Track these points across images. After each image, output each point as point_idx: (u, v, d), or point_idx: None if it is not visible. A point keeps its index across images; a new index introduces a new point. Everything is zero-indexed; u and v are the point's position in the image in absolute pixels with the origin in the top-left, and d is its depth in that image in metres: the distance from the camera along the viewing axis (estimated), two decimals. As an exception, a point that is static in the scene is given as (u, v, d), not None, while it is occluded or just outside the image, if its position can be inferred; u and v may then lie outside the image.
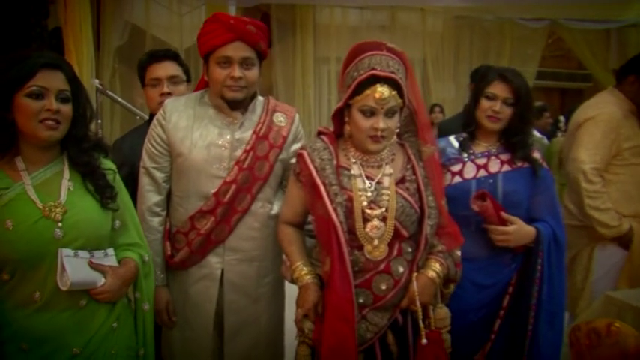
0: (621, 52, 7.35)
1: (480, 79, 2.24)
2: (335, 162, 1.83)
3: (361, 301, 1.79)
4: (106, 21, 5.82)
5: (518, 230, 2.08)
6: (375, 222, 1.78)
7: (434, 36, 7.37)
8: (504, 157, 2.19)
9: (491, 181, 2.15)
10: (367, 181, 1.82)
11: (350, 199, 1.79)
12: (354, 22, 7.20)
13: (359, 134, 1.79)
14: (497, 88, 2.13)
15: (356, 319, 1.77)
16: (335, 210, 1.76)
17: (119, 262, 1.70)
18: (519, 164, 2.16)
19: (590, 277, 2.79)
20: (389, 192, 1.81)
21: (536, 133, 5.45)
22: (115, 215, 1.72)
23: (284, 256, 2.03)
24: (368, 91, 1.73)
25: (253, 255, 2.08)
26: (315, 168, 1.82)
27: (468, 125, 2.24)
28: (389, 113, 1.76)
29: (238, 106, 2.06)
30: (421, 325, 1.79)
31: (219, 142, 2.03)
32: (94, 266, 1.60)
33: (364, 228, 1.78)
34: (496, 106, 2.13)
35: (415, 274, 1.82)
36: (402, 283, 1.81)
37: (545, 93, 8.81)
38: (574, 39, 7.47)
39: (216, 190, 2.01)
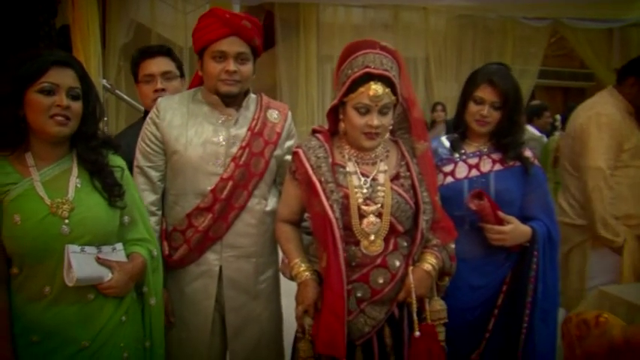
0: (624, 51, 7.37)
1: (469, 81, 2.21)
2: (330, 159, 1.86)
3: (359, 295, 1.82)
4: (111, 19, 5.84)
5: (514, 230, 2.08)
6: (371, 218, 1.81)
7: (436, 35, 7.36)
8: (496, 155, 2.18)
9: (484, 180, 2.15)
10: (362, 178, 1.85)
11: (346, 196, 1.82)
12: (358, 20, 7.21)
13: (353, 131, 1.83)
14: (485, 92, 2.11)
15: (354, 313, 1.81)
16: (331, 207, 1.79)
17: (127, 257, 1.72)
18: (511, 163, 2.16)
19: (586, 275, 2.81)
20: (384, 188, 1.84)
21: (535, 132, 5.50)
22: (123, 211, 1.73)
23: (282, 254, 2.06)
24: (362, 89, 1.76)
25: (251, 251, 2.09)
26: (311, 166, 1.85)
27: (457, 127, 2.24)
28: (383, 110, 1.79)
29: (232, 102, 2.07)
30: (415, 318, 1.81)
31: (215, 139, 2.04)
32: (100, 262, 1.62)
33: (360, 224, 1.81)
34: (484, 111, 2.12)
35: (411, 267, 1.84)
36: (398, 277, 1.83)
37: (548, 92, 8.83)
38: (577, 38, 7.45)
39: (213, 186, 2.01)
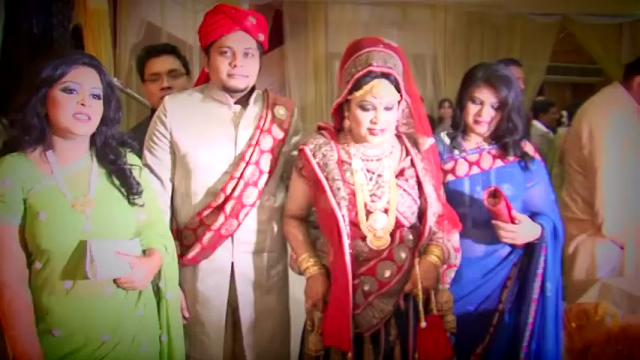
0: (633, 46, 7.29)
1: (467, 80, 2.18)
2: (336, 157, 1.88)
3: (367, 288, 1.85)
4: (122, 19, 5.87)
5: (526, 228, 2.07)
6: (377, 214, 1.84)
7: (444, 32, 7.35)
8: (496, 151, 2.17)
9: (485, 177, 2.14)
10: (368, 175, 1.88)
11: (352, 193, 1.84)
12: (366, 18, 7.20)
13: (358, 128, 1.85)
14: (483, 93, 2.10)
15: (362, 306, 1.84)
16: (338, 204, 1.82)
17: (144, 252, 1.74)
18: (511, 158, 2.15)
19: (594, 269, 2.80)
20: (389, 185, 1.87)
21: (542, 127, 5.52)
22: (140, 208, 1.75)
23: (290, 249, 2.09)
24: (366, 87, 1.78)
25: (262, 247, 2.10)
26: (318, 163, 1.87)
27: (456, 126, 2.21)
28: (387, 107, 1.81)
29: (239, 98, 2.08)
30: (421, 308, 1.83)
31: (224, 138, 2.05)
32: (120, 256, 1.63)
33: (367, 220, 1.84)
34: (482, 111, 2.10)
35: (417, 259, 1.87)
36: (404, 269, 1.86)
37: (557, 88, 8.80)
38: (585, 34, 7.39)
39: (223, 185, 2.02)
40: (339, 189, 1.83)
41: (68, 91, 1.58)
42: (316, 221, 2.02)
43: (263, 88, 2.21)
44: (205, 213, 2.03)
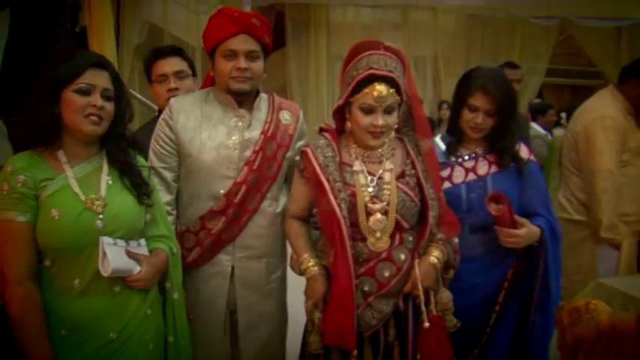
0: (632, 49, 7.36)
1: (462, 86, 2.16)
2: (338, 158, 1.88)
3: (366, 289, 1.84)
4: (125, 20, 5.90)
5: (528, 233, 2.05)
6: (378, 215, 1.84)
7: (445, 34, 7.42)
8: (491, 157, 2.17)
9: (481, 183, 2.14)
10: (369, 177, 1.87)
11: (353, 195, 1.84)
12: (367, 20, 7.27)
13: (359, 131, 1.85)
14: (479, 100, 2.08)
15: (362, 306, 1.84)
16: (339, 205, 1.81)
17: (150, 252, 1.74)
18: (507, 164, 2.14)
19: (594, 270, 2.81)
20: (390, 186, 1.86)
21: (540, 129, 5.55)
22: (146, 209, 1.76)
23: (290, 250, 2.06)
24: (367, 90, 1.79)
25: (262, 252, 2.10)
26: (319, 165, 1.87)
27: (452, 133, 2.22)
28: (387, 110, 1.81)
29: (244, 101, 2.06)
30: (423, 309, 1.83)
31: (229, 143, 2.04)
32: (130, 255, 1.64)
33: (367, 221, 1.84)
34: (478, 119, 2.09)
35: (417, 260, 1.87)
36: (404, 270, 1.86)
37: (556, 90, 8.86)
38: (585, 37, 7.48)
39: (226, 190, 2.01)
40: (339, 190, 1.83)
41: (81, 92, 1.58)
42: (317, 222, 2.00)
43: (267, 91, 2.22)
44: (207, 217, 2.03)
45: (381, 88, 1.78)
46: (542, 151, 4.97)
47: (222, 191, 2.02)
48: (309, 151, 1.91)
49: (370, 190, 1.86)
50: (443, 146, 2.21)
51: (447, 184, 2.13)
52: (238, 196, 2.01)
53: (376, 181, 1.87)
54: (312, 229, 2.06)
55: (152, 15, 6.26)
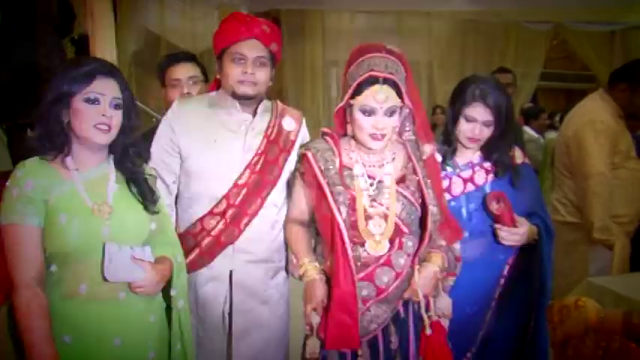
0: (625, 53, 7.40)
1: (459, 95, 2.15)
2: (338, 162, 1.88)
3: (365, 294, 1.83)
4: (122, 27, 5.88)
5: (526, 231, 2.07)
6: (377, 219, 1.83)
7: (440, 39, 7.46)
8: (487, 164, 2.18)
9: (480, 193, 2.14)
10: (369, 180, 1.87)
11: (353, 198, 1.83)
12: (362, 26, 7.30)
13: (360, 133, 1.85)
14: (477, 112, 2.09)
15: (360, 311, 1.81)
16: (338, 209, 1.81)
17: (155, 259, 1.73)
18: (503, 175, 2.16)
19: (585, 275, 2.81)
20: (390, 191, 1.86)
21: (533, 133, 5.61)
22: (152, 217, 1.76)
23: (291, 254, 2.05)
24: (367, 92, 1.79)
25: (262, 257, 2.09)
26: (319, 168, 1.87)
27: (448, 143, 2.20)
28: (388, 112, 1.81)
29: (248, 106, 2.07)
30: (425, 315, 1.83)
31: (231, 146, 2.04)
32: (135, 261, 1.64)
33: (366, 225, 1.83)
34: (475, 129, 2.10)
35: (417, 266, 1.86)
36: (403, 276, 1.85)
37: (551, 94, 8.92)
38: (578, 41, 7.51)
39: (226, 192, 2.02)
40: (339, 194, 1.83)
41: (91, 101, 1.59)
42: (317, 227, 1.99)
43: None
44: (206, 219, 2.04)
45: (381, 90, 1.79)
46: (536, 154, 5.03)
47: (222, 193, 2.02)
48: (309, 154, 1.91)
49: (370, 193, 1.86)
50: (440, 157, 2.18)
51: (446, 196, 2.11)
52: (238, 199, 2.02)
53: (376, 185, 1.87)
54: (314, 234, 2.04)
55: (148, 21, 6.30)
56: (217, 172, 2.03)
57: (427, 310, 1.86)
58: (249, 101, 2.07)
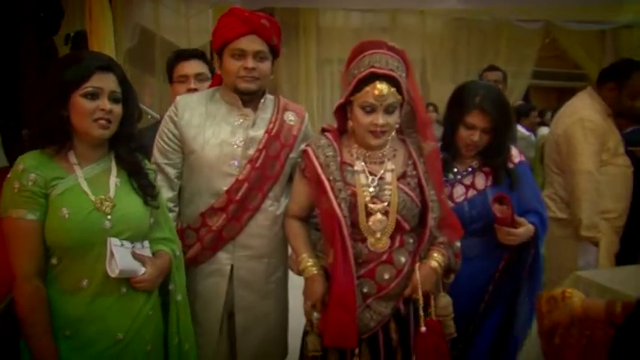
0: (616, 52, 7.47)
1: (457, 103, 2.16)
2: (339, 158, 1.88)
3: (365, 290, 1.85)
4: (117, 24, 5.89)
5: (525, 232, 2.10)
6: (378, 216, 1.83)
7: (433, 37, 7.49)
8: (487, 168, 2.20)
9: (482, 197, 2.16)
10: (370, 177, 1.87)
11: (353, 194, 1.84)
12: (356, 24, 7.31)
13: (360, 130, 1.86)
14: (477, 119, 2.09)
15: (360, 308, 1.83)
16: (339, 205, 1.81)
17: (153, 254, 1.76)
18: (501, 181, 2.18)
19: (574, 269, 2.81)
20: (391, 187, 1.86)
21: (524, 131, 5.67)
22: (150, 212, 1.77)
23: (290, 250, 2.07)
24: (367, 88, 1.79)
25: (263, 252, 2.10)
26: (320, 164, 1.87)
27: (447, 149, 2.20)
28: (388, 109, 1.81)
29: (250, 101, 2.08)
30: (421, 313, 1.83)
31: (232, 140, 2.04)
32: (136, 256, 1.66)
33: (367, 222, 1.84)
34: (475, 136, 2.11)
35: (418, 264, 1.87)
36: (404, 273, 1.86)
37: (543, 92, 8.97)
38: (569, 40, 7.56)
39: (228, 187, 2.02)
40: (340, 190, 1.83)
41: (89, 96, 1.59)
42: (318, 223, 2.01)
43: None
44: (208, 213, 2.05)
45: (381, 87, 1.79)
46: (528, 152, 5.08)
47: (223, 188, 2.03)
48: (309, 150, 1.92)
49: (371, 190, 1.86)
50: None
51: (449, 204, 2.10)
52: (239, 194, 2.02)
53: (377, 182, 1.87)
54: (314, 230, 2.06)
55: (143, 18, 6.27)
56: (218, 168, 2.04)
57: (427, 307, 1.87)
58: (250, 96, 2.07)
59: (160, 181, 2.03)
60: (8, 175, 1.60)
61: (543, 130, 5.73)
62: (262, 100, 2.12)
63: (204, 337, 2.09)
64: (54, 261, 1.61)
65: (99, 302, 1.62)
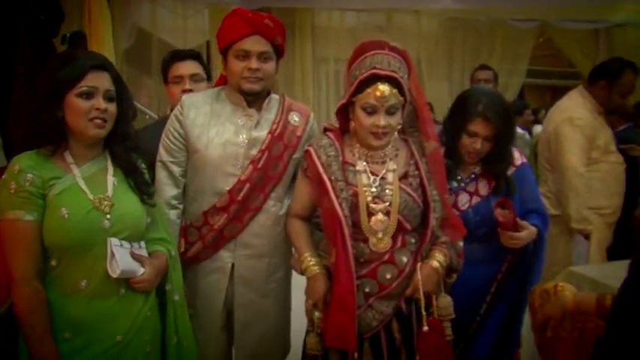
0: (609, 51, 7.51)
1: (460, 111, 2.15)
2: (341, 158, 1.88)
3: (367, 290, 1.85)
4: (115, 25, 5.91)
5: (527, 235, 2.11)
6: (379, 216, 1.84)
7: (428, 36, 7.50)
8: (489, 174, 2.20)
9: (486, 203, 2.16)
10: (371, 177, 1.87)
11: (355, 194, 1.84)
12: (352, 23, 7.32)
13: (361, 131, 1.85)
14: (479, 127, 2.09)
15: (362, 307, 1.84)
16: (340, 205, 1.81)
17: (149, 255, 1.75)
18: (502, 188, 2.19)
19: (569, 264, 2.92)
20: (392, 187, 1.86)
21: (519, 130, 5.69)
22: (147, 211, 1.76)
23: (293, 249, 2.07)
24: (369, 90, 1.79)
25: (264, 251, 2.11)
26: (322, 164, 1.87)
27: (450, 157, 2.17)
28: (390, 110, 1.81)
29: (254, 101, 2.08)
30: (423, 312, 1.83)
31: (236, 141, 2.05)
32: (135, 256, 1.67)
33: (369, 222, 1.84)
34: (477, 144, 2.11)
35: (420, 264, 1.87)
36: (405, 273, 1.87)
37: (538, 91, 9.02)
38: (563, 39, 7.58)
39: (230, 187, 2.03)
40: (342, 190, 1.83)
41: (84, 95, 1.58)
42: (321, 223, 2.00)
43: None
44: (210, 212, 2.06)
45: (383, 88, 1.78)
46: (524, 151, 5.10)
47: (226, 188, 2.04)
48: (311, 150, 1.92)
49: (373, 190, 1.86)
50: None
51: (454, 212, 2.09)
52: (241, 194, 2.03)
53: (379, 182, 1.87)
54: (316, 230, 2.06)
55: (140, 19, 6.28)
56: (221, 167, 2.05)
57: (429, 307, 1.87)
58: (254, 97, 2.08)
59: (164, 179, 2.08)
60: (3, 177, 1.59)
61: (538, 129, 5.77)
62: (267, 101, 2.13)
63: (205, 333, 2.10)
64: (53, 262, 1.60)
65: (98, 304, 1.62)
